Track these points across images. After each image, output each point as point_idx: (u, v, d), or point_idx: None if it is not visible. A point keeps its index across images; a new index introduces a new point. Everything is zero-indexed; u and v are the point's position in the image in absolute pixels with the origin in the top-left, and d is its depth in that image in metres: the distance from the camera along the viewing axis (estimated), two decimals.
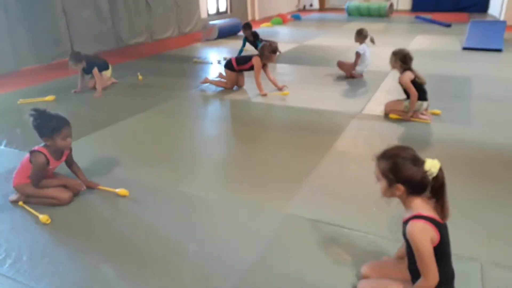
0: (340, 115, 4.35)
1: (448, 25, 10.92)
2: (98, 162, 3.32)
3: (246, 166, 3.27)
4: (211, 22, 9.33)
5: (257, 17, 13.65)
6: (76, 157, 2.91)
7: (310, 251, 2.20)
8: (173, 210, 2.64)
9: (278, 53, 5.08)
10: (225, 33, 9.41)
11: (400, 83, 4.05)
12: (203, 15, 11.02)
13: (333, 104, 4.70)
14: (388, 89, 5.10)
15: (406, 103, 4.13)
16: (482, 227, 2.41)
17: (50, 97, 4.93)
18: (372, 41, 5.60)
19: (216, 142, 3.79)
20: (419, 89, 4.05)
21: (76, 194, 2.77)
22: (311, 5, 17.19)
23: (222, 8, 12.34)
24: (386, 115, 4.26)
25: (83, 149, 3.52)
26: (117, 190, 2.80)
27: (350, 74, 5.74)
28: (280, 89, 5.17)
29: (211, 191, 2.86)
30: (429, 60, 6.84)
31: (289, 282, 1.99)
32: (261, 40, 7.14)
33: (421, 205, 1.57)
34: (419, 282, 1.58)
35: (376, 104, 4.57)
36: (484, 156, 3.36)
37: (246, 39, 7.56)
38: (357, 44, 5.70)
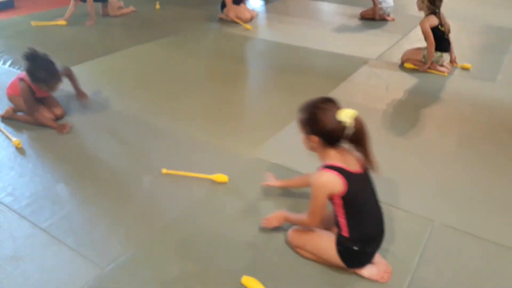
0: (352, 59, 4.02)
1: None
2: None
3: (231, 106, 3.15)
4: None
5: None
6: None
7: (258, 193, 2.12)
8: (141, 142, 2.62)
9: None
10: None
11: (421, 28, 3.64)
12: None
13: (348, 47, 4.35)
14: (419, 35, 4.62)
15: (425, 52, 3.74)
16: (461, 192, 2.21)
17: (62, 22, 4.91)
18: None
19: (210, 80, 3.64)
20: (440, 39, 3.63)
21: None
22: None
23: None
24: (402, 64, 3.89)
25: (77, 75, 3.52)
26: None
27: (378, 16, 5.25)
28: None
29: (185, 128, 2.79)
30: (475, 6, 6.09)
31: (232, 220, 1.94)
32: None
33: (335, 156, 1.54)
34: (302, 215, 1.66)
35: (398, 50, 4.17)
36: (490, 117, 3.02)
37: None
38: None
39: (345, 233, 1.59)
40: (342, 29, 5.01)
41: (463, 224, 1.99)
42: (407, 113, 3.09)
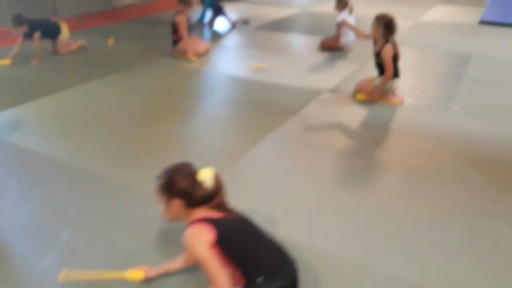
0: (304, 92, 3.90)
1: None
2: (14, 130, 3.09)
3: (181, 147, 2.96)
4: None
5: None
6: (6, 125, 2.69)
7: None
8: (53, 198, 2.38)
9: None
10: None
11: (381, 56, 3.54)
12: None
13: (302, 79, 4.24)
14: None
15: (377, 81, 3.65)
16: (405, 237, 2.03)
17: (6, 61, 4.70)
18: (351, 10, 5.04)
19: (156, 118, 3.45)
20: (394, 67, 3.56)
21: None
22: None
23: None
24: (355, 95, 3.79)
25: (17, 117, 3.30)
26: None
27: (337, 47, 5.19)
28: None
29: (121, 175, 2.57)
30: (435, 34, 6.15)
31: None
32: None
33: (198, 213, 1.50)
34: None
35: (353, 81, 4.07)
36: (445, 148, 2.90)
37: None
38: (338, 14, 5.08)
39: (242, 281, 1.46)
40: (298, 60, 4.93)
41: (404, 272, 1.80)
42: (357, 149, 2.94)
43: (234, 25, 6.48)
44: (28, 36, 4.73)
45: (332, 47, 5.19)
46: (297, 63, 4.82)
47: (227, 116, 3.50)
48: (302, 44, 5.70)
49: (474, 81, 4.21)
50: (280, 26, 6.71)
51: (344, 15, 4.95)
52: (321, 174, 2.59)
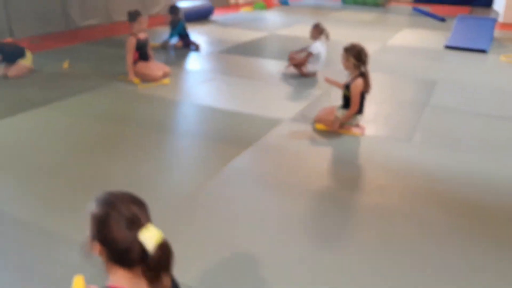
0: (262, 121, 3.71)
1: (442, 19, 10.06)
2: None
3: (100, 177, 2.66)
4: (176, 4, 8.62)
5: (241, 0, 12.84)
6: None
7: None
8: None
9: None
10: (191, 17, 8.65)
11: (350, 89, 3.37)
12: None
13: (262, 106, 4.06)
14: (338, 92, 4.43)
15: (339, 112, 3.48)
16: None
17: None
18: (327, 37, 4.89)
19: (89, 147, 3.17)
20: (361, 102, 3.39)
21: None
22: None
23: None
24: (315, 124, 3.61)
25: None
26: None
27: (302, 71, 5.04)
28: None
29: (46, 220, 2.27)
30: (401, 58, 6.11)
31: None
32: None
33: (123, 276, 1.10)
34: None
35: (315, 109, 3.89)
36: (405, 184, 2.72)
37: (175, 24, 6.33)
38: (312, 41, 4.95)
39: None
40: (262, 86, 4.76)
41: None
42: (314, 188, 2.73)
43: (197, 48, 6.30)
44: None
45: (298, 66, 5.02)
46: (261, 89, 4.64)
47: (181, 146, 3.27)
48: (268, 68, 5.55)
49: (439, 108, 4.11)
50: (247, 49, 6.56)
51: (318, 45, 4.83)
52: (271, 219, 2.36)
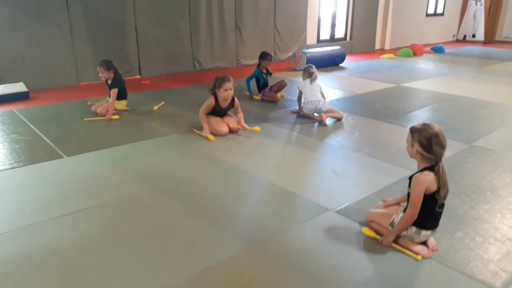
0: (306, 207, 2.91)
1: None
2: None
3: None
4: (304, 50, 8.26)
5: (387, 47, 11.73)
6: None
7: None
8: None
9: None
10: (321, 63, 8.17)
11: (413, 188, 2.35)
12: (311, 41, 9.91)
13: (309, 187, 3.23)
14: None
15: (397, 218, 2.45)
16: None
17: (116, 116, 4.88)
18: (314, 79, 4.93)
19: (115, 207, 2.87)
20: (429, 210, 2.34)
21: None
22: (473, 35, 14.02)
23: (340, 34, 10.88)
24: (365, 225, 2.63)
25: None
26: None
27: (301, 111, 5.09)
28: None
29: None
30: None
31: None
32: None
33: None
34: None
35: (374, 203, 2.89)
36: None
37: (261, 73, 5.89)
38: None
39: None
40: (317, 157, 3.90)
41: None
42: None
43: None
44: (109, 85, 4.90)
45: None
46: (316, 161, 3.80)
47: (179, 227, 2.72)
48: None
49: None
50: (349, 104, 5.69)
51: (305, 83, 4.96)
52: None
